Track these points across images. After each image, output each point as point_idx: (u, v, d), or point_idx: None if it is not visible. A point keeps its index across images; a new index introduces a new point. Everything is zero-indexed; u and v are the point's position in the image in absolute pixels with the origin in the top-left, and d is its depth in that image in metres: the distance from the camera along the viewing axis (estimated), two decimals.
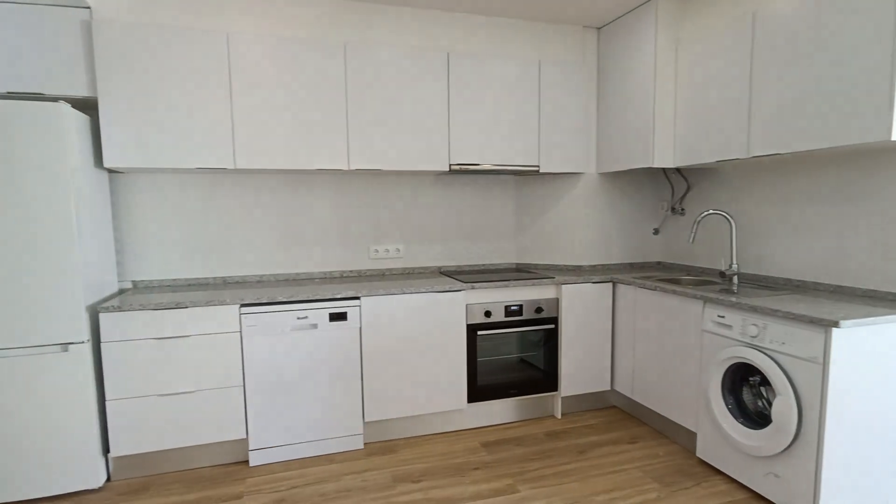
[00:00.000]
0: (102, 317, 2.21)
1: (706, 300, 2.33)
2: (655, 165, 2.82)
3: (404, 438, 2.71)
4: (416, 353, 2.66)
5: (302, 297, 2.45)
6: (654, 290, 2.65)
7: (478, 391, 2.80)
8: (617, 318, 3.00)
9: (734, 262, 2.69)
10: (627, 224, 3.37)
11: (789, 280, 2.54)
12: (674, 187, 3.29)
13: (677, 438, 2.63)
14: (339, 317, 2.51)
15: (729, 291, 2.43)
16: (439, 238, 3.27)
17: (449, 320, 2.71)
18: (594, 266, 3.31)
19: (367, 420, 2.60)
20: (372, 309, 2.57)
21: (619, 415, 3.00)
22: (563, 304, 2.90)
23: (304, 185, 2.98)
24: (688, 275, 3.03)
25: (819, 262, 2.40)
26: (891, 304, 2.02)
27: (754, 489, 2.12)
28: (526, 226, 3.41)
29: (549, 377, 2.93)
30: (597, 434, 2.74)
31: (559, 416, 2.97)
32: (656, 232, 3.43)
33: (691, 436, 2.53)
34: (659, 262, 3.46)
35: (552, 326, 2.90)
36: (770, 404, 2.17)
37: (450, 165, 2.90)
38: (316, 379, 2.50)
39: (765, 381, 2.19)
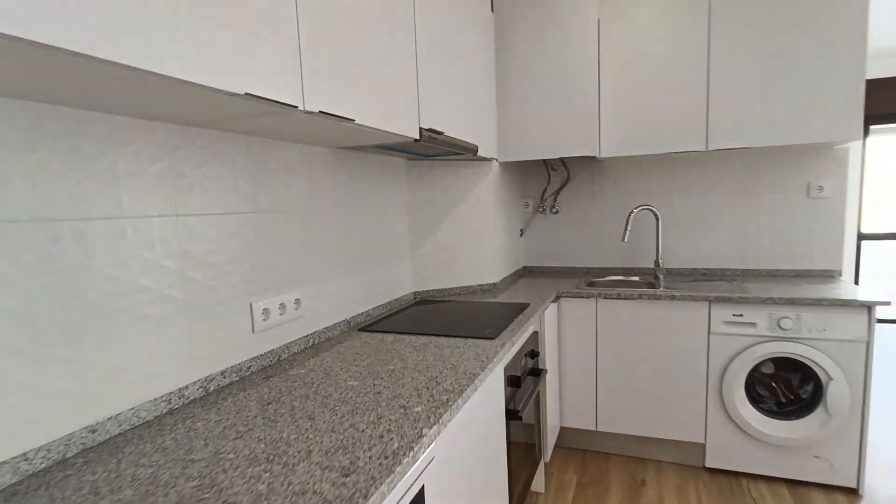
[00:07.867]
0: None
1: (712, 300, 2.16)
2: (602, 155, 2.42)
3: None
4: None
5: None
6: (656, 298, 2.26)
7: None
8: (601, 341, 2.43)
9: (660, 256, 2.64)
10: (509, 225, 2.81)
11: (695, 269, 2.69)
12: (549, 181, 2.97)
13: (677, 457, 2.37)
14: None
15: (662, 286, 2.33)
16: (337, 265, 1.78)
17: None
18: (503, 280, 2.60)
19: None
20: None
21: (595, 457, 2.48)
22: (547, 335, 2.12)
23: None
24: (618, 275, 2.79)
25: (724, 249, 2.64)
26: (794, 280, 2.40)
27: (796, 478, 2.13)
28: (425, 235, 2.32)
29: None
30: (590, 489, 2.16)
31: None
32: (521, 233, 3.03)
33: (695, 449, 2.33)
34: (525, 267, 3.07)
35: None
36: (783, 393, 2.19)
37: (420, 130, 1.59)
38: None
39: (779, 373, 2.20)
